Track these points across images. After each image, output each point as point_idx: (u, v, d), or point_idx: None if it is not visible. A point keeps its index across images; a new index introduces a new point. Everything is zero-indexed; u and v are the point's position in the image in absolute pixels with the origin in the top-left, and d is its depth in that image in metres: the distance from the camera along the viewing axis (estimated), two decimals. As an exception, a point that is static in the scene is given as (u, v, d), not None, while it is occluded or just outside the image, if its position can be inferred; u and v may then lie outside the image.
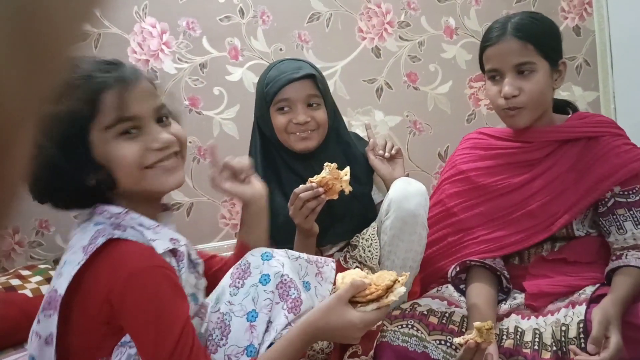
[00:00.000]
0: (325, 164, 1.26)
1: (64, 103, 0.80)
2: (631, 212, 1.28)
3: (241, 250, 1.11)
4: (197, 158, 2.05)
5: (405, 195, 1.33)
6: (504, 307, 1.30)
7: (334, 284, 1.02)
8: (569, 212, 1.30)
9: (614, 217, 1.28)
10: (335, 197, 1.25)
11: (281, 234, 1.35)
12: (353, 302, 0.97)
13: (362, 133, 1.70)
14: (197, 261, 1.01)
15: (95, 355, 0.87)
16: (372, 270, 1.36)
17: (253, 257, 0.99)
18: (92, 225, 0.90)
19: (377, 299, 0.97)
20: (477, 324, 1.06)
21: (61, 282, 0.85)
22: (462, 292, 1.35)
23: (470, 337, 1.06)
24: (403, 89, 2.19)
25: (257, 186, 1.14)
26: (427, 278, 1.46)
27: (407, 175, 2.16)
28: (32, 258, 1.92)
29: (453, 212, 1.43)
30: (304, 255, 1.06)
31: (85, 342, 0.88)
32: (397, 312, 1.28)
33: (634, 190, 1.29)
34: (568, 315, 1.19)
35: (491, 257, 1.35)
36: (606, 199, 1.29)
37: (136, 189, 0.91)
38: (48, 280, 1.68)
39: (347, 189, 1.25)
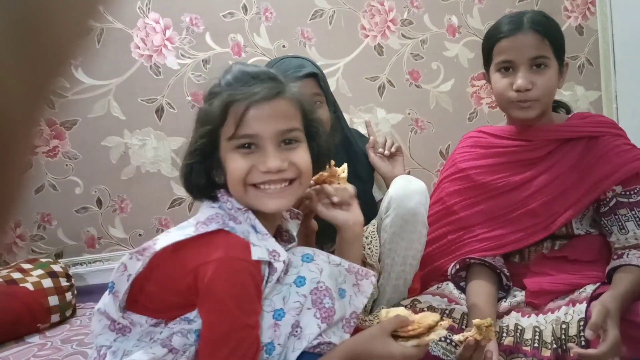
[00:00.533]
0: None
1: (210, 105, 0.91)
2: (633, 212, 1.28)
3: None
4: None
5: (405, 193, 1.33)
6: (504, 304, 1.29)
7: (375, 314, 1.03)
8: (569, 210, 1.29)
9: (616, 217, 1.28)
10: None
11: None
12: (394, 335, 0.98)
13: (363, 130, 1.70)
14: (282, 276, 1.01)
15: (157, 316, 0.91)
16: (373, 268, 1.36)
17: (294, 255, 0.99)
18: (213, 207, 0.95)
19: (418, 335, 0.97)
20: (476, 321, 1.05)
21: (164, 240, 0.90)
22: (462, 290, 1.35)
23: (470, 334, 1.06)
24: (405, 87, 2.20)
25: (354, 212, 1.11)
26: (427, 276, 1.46)
27: (408, 173, 2.17)
28: (34, 252, 1.92)
29: (453, 210, 1.42)
30: (345, 264, 1.05)
31: (155, 301, 0.91)
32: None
33: (636, 190, 1.29)
34: (568, 313, 1.19)
35: (491, 255, 1.35)
36: (608, 199, 1.29)
37: (240, 201, 0.94)
38: (49, 273, 1.68)
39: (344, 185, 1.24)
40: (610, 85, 2.30)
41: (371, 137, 1.47)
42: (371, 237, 1.39)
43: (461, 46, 2.22)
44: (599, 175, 1.27)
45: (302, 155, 0.95)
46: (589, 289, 1.23)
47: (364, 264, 1.37)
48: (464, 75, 2.23)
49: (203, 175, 0.94)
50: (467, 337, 1.06)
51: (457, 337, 1.09)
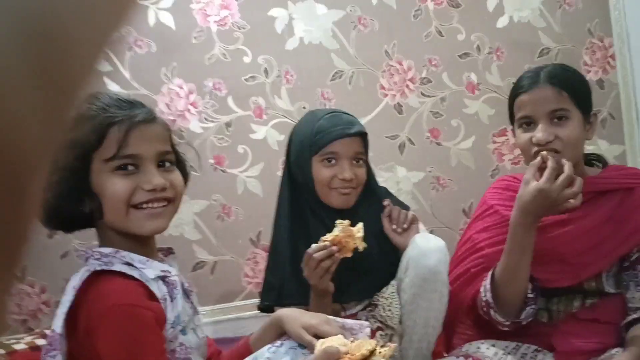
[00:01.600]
0: (337, 222, 1.25)
1: (77, 131, 0.86)
2: None
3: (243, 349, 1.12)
4: (221, 216, 2.06)
5: (424, 251, 1.32)
6: None
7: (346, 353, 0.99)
8: (600, 262, 1.27)
9: (635, 272, 1.26)
10: (349, 255, 1.25)
11: (306, 289, 1.34)
12: None
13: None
14: (190, 289, 1.02)
15: None
16: (394, 331, 1.34)
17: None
18: (84, 269, 0.93)
19: None
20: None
21: (56, 321, 0.88)
22: (487, 329, 1.32)
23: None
24: (426, 145, 2.21)
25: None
26: (453, 312, 1.42)
27: (431, 232, 2.14)
28: (58, 317, 1.93)
29: (479, 247, 1.40)
30: (340, 321, 1.04)
31: None
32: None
33: None
34: None
35: None
36: (632, 254, 1.27)
37: (118, 226, 0.94)
38: (73, 340, 1.68)
39: (361, 245, 1.24)
40: (634, 139, 2.28)
41: (386, 208, 1.46)
42: (391, 299, 1.36)
43: (481, 103, 2.24)
44: (632, 228, 1.26)
45: (178, 177, 0.98)
46: (622, 351, 1.19)
47: (385, 326, 1.35)
48: (485, 132, 2.24)
49: (74, 203, 0.92)
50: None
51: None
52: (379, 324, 1.37)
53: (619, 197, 1.29)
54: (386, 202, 1.49)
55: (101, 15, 0.23)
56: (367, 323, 1.12)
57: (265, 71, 2.13)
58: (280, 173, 1.57)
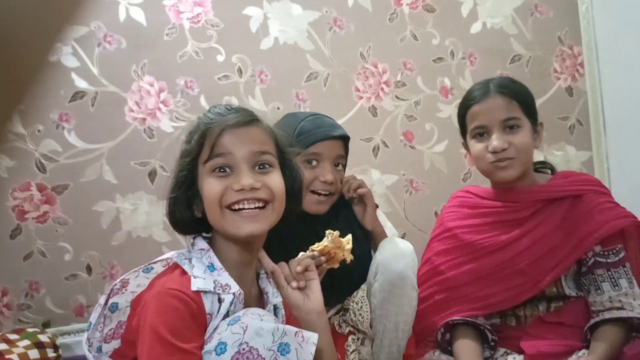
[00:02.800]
0: (328, 232, 1.25)
1: (188, 142, 0.99)
2: (609, 273, 1.31)
3: None
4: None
5: (392, 256, 1.33)
6: None
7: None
8: (556, 269, 1.32)
9: (593, 276, 1.31)
10: (336, 265, 1.25)
11: None
12: None
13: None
14: (278, 308, 1.05)
15: None
16: (366, 335, 1.34)
17: (223, 321, 0.93)
18: (166, 259, 0.99)
19: None
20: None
21: (141, 288, 0.96)
22: (450, 354, 1.35)
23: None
24: (399, 148, 2.23)
25: (312, 298, 1.09)
26: (421, 334, 1.45)
27: (403, 236, 2.15)
28: (21, 321, 1.88)
29: (440, 270, 1.44)
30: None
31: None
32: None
33: (614, 251, 1.32)
34: None
35: (481, 315, 1.35)
36: (587, 259, 1.32)
37: (218, 228, 0.98)
38: (36, 344, 1.64)
39: (349, 257, 1.25)
40: (601, 146, 2.35)
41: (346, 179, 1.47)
42: (361, 303, 1.37)
43: (454, 107, 2.27)
44: (583, 233, 1.32)
45: (275, 179, 1.00)
46: (587, 353, 1.23)
47: (357, 331, 1.35)
48: (458, 136, 2.24)
49: (186, 208, 0.99)
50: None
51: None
52: (351, 328, 1.37)
53: (568, 203, 1.35)
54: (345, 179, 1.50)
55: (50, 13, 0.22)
56: (314, 335, 1.11)
57: (239, 70, 2.11)
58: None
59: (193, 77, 2.08)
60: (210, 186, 0.95)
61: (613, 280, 1.28)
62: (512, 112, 1.32)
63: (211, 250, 0.98)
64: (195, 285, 0.91)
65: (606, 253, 1.31)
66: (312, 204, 1.40)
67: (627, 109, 2.27)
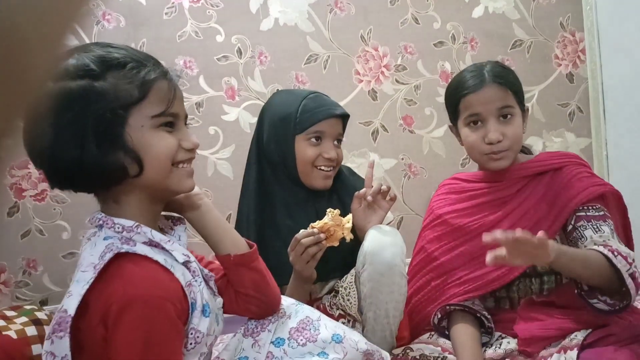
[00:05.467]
0: (328, 210, 1.27)
1: (108, 81, 0.86)
2: (590, 223, 1.35)
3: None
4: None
5: (380, 246, 1.34)
6: (499, 351, 1.31)
7: None
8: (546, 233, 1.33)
9: (577, 231, 1.34)
10: (336, 244, 1.27)
11: (271, 270, 1.35)
12: None
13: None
14: (209, 276, 1.02)
15: None
16: (354, 320, 1.36)
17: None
18: (101, 240, 0.90)
19: None
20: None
21: (70, 302, 0.84)
22: (448, 338, 1.36)
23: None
24: (399, 132, 2.24)
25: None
26: (418, 325, 1.47)
27: (401, 220, 2.17)
28: (18, 299, 1.90)
29: (434, 257, 1.47)
30: (241, 330, 1.07)
31: None
32: (389, 358, 1.28)
33: (594, 207, 1.35)
34: None
35: (473, 297, 1.38)
36: (570, 220, 1.35)
37: (157, 185, 0.93)
38: (33, 321, 1.65)
39: (349, 236, 1.26)
40: (600, 133, 2.36)
41: (362, 190, 1.45)
42: (349, 289, 1.39)
43: (454, 92, 2.26)
44: (563, 201, 1.34)
45: (194, 137, 1.00)
46: (580, 335, 1.26)
47: (347, 314, 1.36)
48: (457, 121, 2.27)
49: (106, 158, 0.87)
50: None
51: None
52: (341, 312, 1.39)
53: (549, 176, 1.39)
54: (371, 160, 1.52)
55: (54, 14, 0.23)
56: (387, 355, 1.15)
57: (239, 51, 2.11)
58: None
59: (192, 57, 2.08)
60: (164, 142, 0.91)
61: (595, 227, 1.31)
62: (507, 101, 1.35)
63: (140, 225, 0.90)
64: (180, 257, 0.92)
65: (586, 208, 1.34)
66: (320, 179, 1.44)
67: (628, 97, 2.28)
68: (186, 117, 0.99)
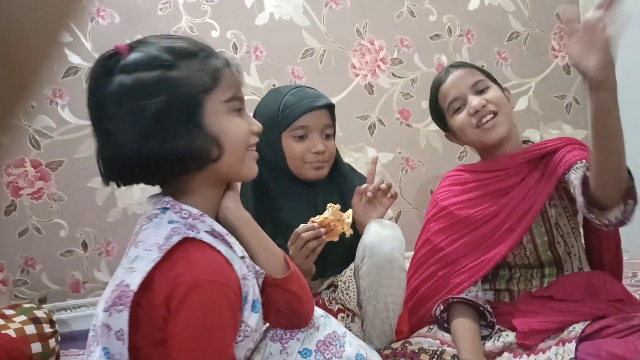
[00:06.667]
0: (329, 205, 1.28)
1: (182, 70, 0.88)
2: (576, 165, 1.33)
3: None
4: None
5: (379, 240, 1.34)
6: (497, 344, 1.31)
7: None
8: (536, 203, 1.37)
9: (568, 177, 1.33)
10: (336, 239, 1.27)
11: None
12: None
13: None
14: (260, 273, 1.00)
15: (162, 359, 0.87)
16: (353, 314, 1.37)
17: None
18: (165, 223, 0.91)
19: None
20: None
21: (134, 277, 0.85)
22: (448, 331, 1.37)
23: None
24: (396, 126, 2.25)
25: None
26: (423, 317, 1.48)
27: (398, 215, 2.17)
28: (17, 297, 1.91)
29: (440, 248, 1.48)
30: (270, 333, 1.06)
31: (148, 346, 0.88)
32: (387, 352, 1.30)
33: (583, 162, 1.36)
34: (559, 354, 1.22)
35: (476, 280, 1.39)
36: (562, 183, 1.37)
37: (232, 169, 0.96)
38: (32, 320, 1.66)
39: (348, 232, 1.27)
40: (598, 124, 2.35)
41: (363, 185, 1.45)
42: (349, 282, 1.40)
43: (451, 85, 2.26)
44: (552, 168, 1.37)
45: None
46: (578, 327, 1.27)
47: (346, 308, 1.37)
48: (454, 114, 2.27)
49: (186, 143, 0.89)
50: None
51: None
52: (340, 306, 1.39)
53: (546, 159, 1.41)
54: (374, 156, 1.51)
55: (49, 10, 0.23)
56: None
57: (234, 46, 2.11)
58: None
59: (187, 53, 2.07)
60: (240, 125, 0.95)
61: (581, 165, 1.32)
62: (476, 77, 1.41)
63: (204, 214, 0.93)
64: (239, 250, 0.94)
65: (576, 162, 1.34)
66: (312, 170, 1.43)
67: (624, 88, 2.27)
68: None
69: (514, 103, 1.49)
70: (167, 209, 0.92)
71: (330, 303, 1.43)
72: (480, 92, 1.40)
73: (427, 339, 1.36)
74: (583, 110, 2.43)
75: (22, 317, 1.67)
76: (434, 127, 2.31)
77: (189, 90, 0.88)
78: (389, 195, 1.45)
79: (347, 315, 1.39)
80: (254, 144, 0.99)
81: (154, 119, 0.85)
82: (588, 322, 1.27)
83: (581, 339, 1.21)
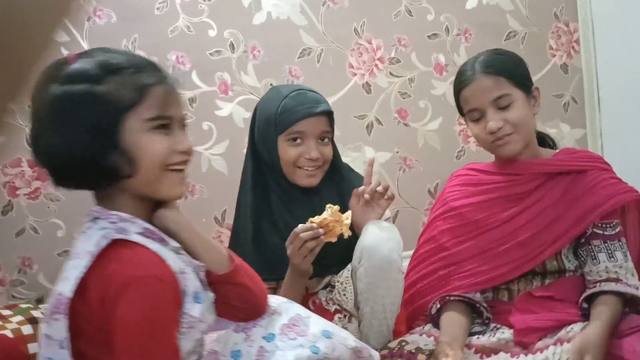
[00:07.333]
0: (328, 206, 1.28)
1: (107, 85, 0.92)
2: (606, 244, 1.35)
3: None
4: (185, 194, 2.04)
5: (377, 241, 1.34)
6: (492, 340, 1.31)
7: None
8: (557, 242, 1.34)
9: (590, 247, 1.35)
10: (334, 239, 1.28)
11: (268, 265, 1.35)
12: None
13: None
14: (199, 267, 1.02)
15: None
16: (350, 315, 1.37)
17: None
18: (96, 231, 0.94)
19: None
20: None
21: (67, 285, 0.88)
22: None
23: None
24: (393, 125, 2.26)
25: None
26: (416, 312, 1.48)
27: (396, 214, 2.18)
28: (14, 297, 1.91)
29: (445, 247, 1.47)
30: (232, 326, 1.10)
31: (94, 350, 0.90)
32: (385, 352, 1.30)
33: (611, 225, 1.36)
34: (556, 353, 1.22)
35: (479, 290, 1.38)
36: (587, 231, 1.33)
37: (148, 187, 0.97)
38: (29, 320, 1.66)
39: (347, 233, 1.27)
40: (595, 123, 2.38)
41: (361, 187, 1.45)
42: (346, 283, 1.40)
43: (448, 84, 2.28)
44: (586, 207, 1.35)
45: (189, 141, 1.03)
46: (577, 327, 1.27)
47: (343, 309, 1.38)
48: (452, 114, 2.29)
49: (100, 158, 0.92)
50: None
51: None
52: (337, 307, 1.39)
53: (570, 178, 1.38)
54: (371, 158, 1.50)
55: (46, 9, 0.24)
56: (376, 354, 1.17)
57: (231, 46, 2.11)
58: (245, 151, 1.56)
59: (184, 52, 2.08)
60: (157, 145, 0.95)
61: (609, 251, 1.32)
62: (501, 90, 1.34)
63: (135, 217, 0.96)
64: (173, 242, 0.96)
65: (604, 225, 1.34)
66: (303, 177, 1.43)
67: (622, 87, 2.29)
68: (184, 120, 1.01)
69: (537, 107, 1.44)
70: (98, 218, 0.96)
71: (328, 304, 1.43)
72: (501, 107, 1.34)
73: (422, 337, 1.36)
74: (581, 109, 2.44)
75: (19, 318, 1.66)
76: (431, 126, 2.33)
77: (109, 107, 0.92)
78: (386, 197, 1.45)
79: (345, 316, 1.40)
80: (179, 162, 0.98)
81: (72, 130, 0.90)
82: (586, 322, 1.27)
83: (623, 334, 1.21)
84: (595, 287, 1.29)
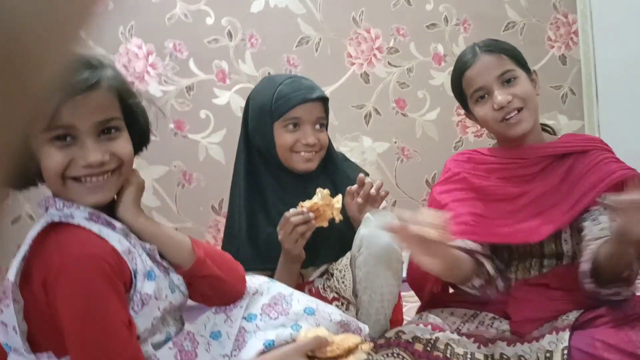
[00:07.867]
0: (318, 190, 1.28)
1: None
2: (607, 211, 1.33)
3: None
4: (181, 183, 2.04)
5: (377, 230, 1.33)
6: (491, 330, 1.32)
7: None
8: (560, 219, 1.34)
9: (590, 213, 1.33)
10: (325, 224, 1.27)
11: (262, 255, 1.35)
12: (311, 357, 1.03)
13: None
14: (152, 250, 1.00)
15: (61, 347, 0.89)
16: (348, 302, 1.37)
17: None
18: (43, 219, 0.93)
19: (336, 358, 1.02)
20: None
21: (11, 270, 0.88)
22: (444, 305, 1.38)
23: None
24: (391, 115, 2.25)
25: None
26: (415, 279, 1.47)
27: (394, 204, 2.18)
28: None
29: (443, 205, 1.44)
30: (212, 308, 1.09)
31: (44, 334, 0.91)
32: (382, 341, 1.30)
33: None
34: (552, 342, 1.23)
35: (475, 239, 1.35)
36: (590, 209, 1.35)
37: (61, 195, 0.94)
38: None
39: (338, 217, 1.27)
40: (593, 115, 2.38)
41: (354, 187, 1.45)
42: (344, 271, 1.40)
43: (447, 75, 2.28)
44: (587, 185, 1.36)
45: (123, 145, 0.95)
46: (572, 316, 1.28)
47: (341, 297, 1.38)
48: (450, 104, 2.29)
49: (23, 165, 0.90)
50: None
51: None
52: (335, 294, 1.40)
53: (573, 158, 1.39)
54: (360, 176, 1.49)
55: (61, 16, 0.23)
56: (365, 326, 1.16)
57: (229, 34, 2.10)
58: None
59: (182, 40, 2.07)
60: (50, 158, 0.89)
61: (610, 216, 1.32)
62: (505, 66, 1.35)
63: (79, 205, 0.93)
64: (118, 223, 0.94)
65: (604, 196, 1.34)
66: (300, 162, 1.43)
67: (620, 79, 2.30)
68: (102, 124, 0.92)
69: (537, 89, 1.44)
70: (47, 207, 0.94)
71: (325, 291, 1.44)
72: (508, 81, 1.35)
73: (419, 326, 1.36)
74: (578, 100, 2.44)
75: (15, 305, 1.67)
76: (429, 116, 2.33)
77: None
78: (379, 196, 1.46)
79: (342, 304, 1.40)
80: (83, 175, 0.92)
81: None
82: (582, 310, 1.28)
83: (574, 327, 1.23)
84: (596, 242, 1.29)
